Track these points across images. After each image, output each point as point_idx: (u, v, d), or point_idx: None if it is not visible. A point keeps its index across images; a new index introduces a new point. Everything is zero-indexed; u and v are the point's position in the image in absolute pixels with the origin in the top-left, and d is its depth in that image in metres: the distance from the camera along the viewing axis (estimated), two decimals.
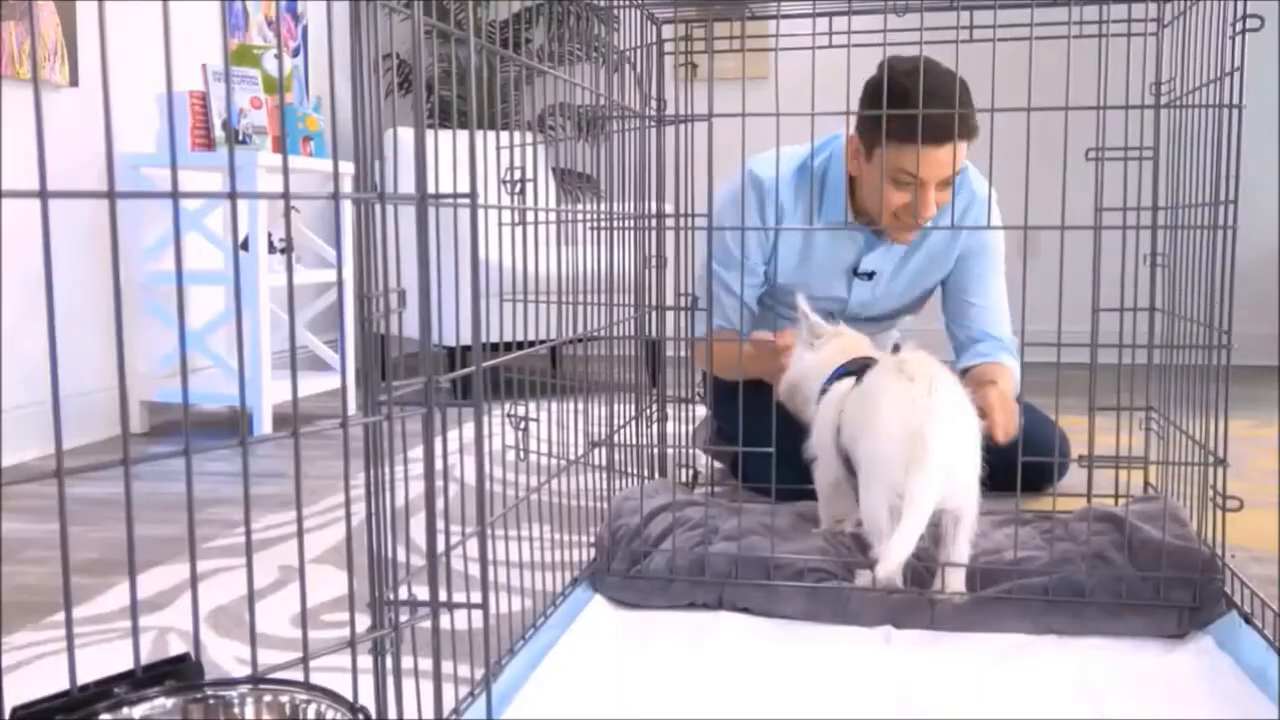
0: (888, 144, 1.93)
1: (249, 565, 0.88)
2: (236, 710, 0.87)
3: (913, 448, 1.47)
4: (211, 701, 0.86)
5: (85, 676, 0.83)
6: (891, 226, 2.04)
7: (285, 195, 0.85)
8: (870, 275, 2.21)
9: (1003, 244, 2.27)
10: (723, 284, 2.18)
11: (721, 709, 1.26)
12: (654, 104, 1.98)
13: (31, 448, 2.71)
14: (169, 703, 0.85)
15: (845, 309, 2.23)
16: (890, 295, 2.27)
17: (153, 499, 2.30)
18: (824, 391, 1.78)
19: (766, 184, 2.12)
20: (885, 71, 1.86)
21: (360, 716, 0.86)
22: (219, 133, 3.04)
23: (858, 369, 1.72)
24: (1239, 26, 1.41)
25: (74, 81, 2.82)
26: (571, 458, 1.69)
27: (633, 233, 1.93)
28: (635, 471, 1.98)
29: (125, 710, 0.83)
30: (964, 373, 2.14)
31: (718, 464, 2.41)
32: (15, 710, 0.80)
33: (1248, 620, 1.42)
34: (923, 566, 1.58)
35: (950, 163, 1.92)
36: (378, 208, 0.95)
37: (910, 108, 1.70)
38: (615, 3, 1.89)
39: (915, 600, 1.51)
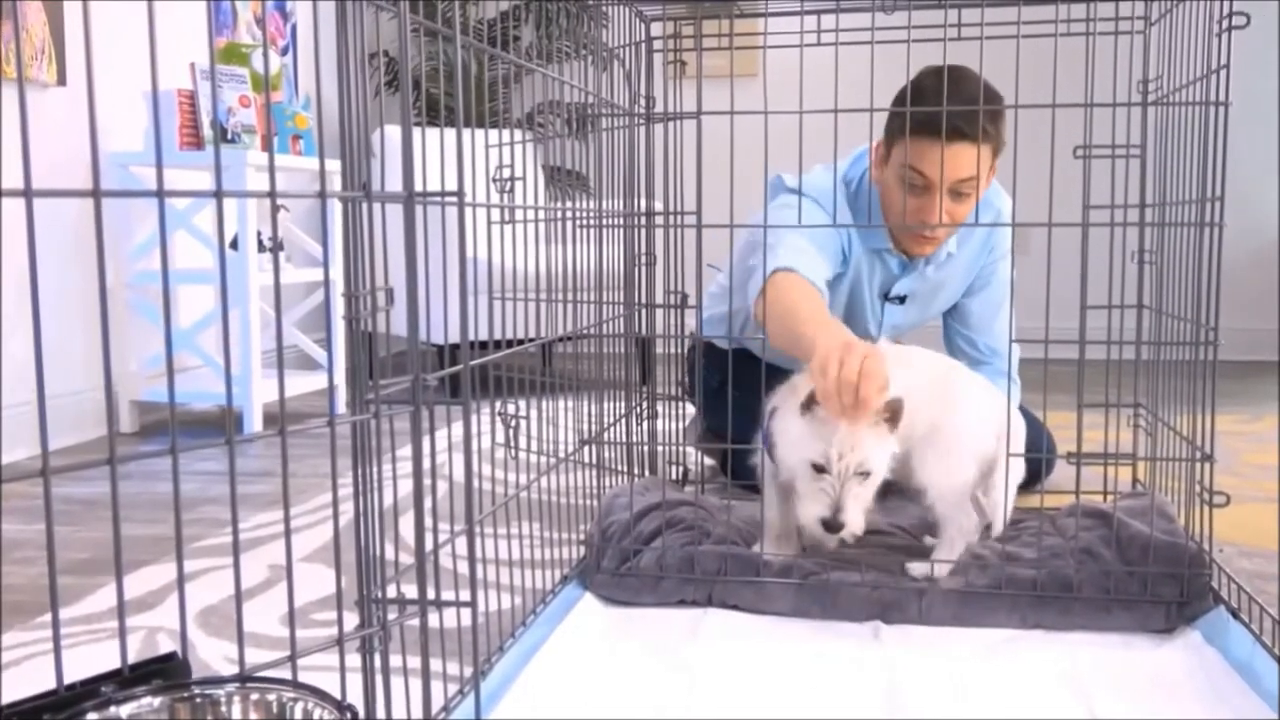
0: (901, 139, 1.87)
1: (236, 564, 0.88)
2: (223, 709, 0.87)
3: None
4: (199, 700, 0.86)
5: (74, 676, 0.83)
6: (904, 236, 2.00)
7: (272, 194, 0.84)
8: (902, 300, 2.17)
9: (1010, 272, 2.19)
10: (800, 235, 1.92)
11: (712, 706, 1.26)
12: (643, 101, 1.99)
13: (22, 447, 2.70)
14: (156, 701, 0.85)
15: (876, 334, 2.20)
16: (917, 318, 2.25)
17: (141, 499, 2.30)
18: None
19: (822, 195, 2.01)
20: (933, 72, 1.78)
21: (348, 715, 0.86)
22: (208, 131, 3.03)
23: None
24: (1225, 24, 1.42)
25: (62, 80, 2.81)
26: (561, 455, 1.69)
27: (622, 230, 1.93)
28: (625, 469, 1.98)
29: (112, 709, 0.83)
30: None
31: (708, 460, 2.41)
32: (3, 709, 0.80)
33: (1235, 615, 1.43)
34: (908, 548, 1.59)
35: (965, 166, 1.83)
36: (365, 206, 0.95)
37: (931, 104, 1.68)
38: (604, 0, 1.89)
39: (904, 595, 1.52)
